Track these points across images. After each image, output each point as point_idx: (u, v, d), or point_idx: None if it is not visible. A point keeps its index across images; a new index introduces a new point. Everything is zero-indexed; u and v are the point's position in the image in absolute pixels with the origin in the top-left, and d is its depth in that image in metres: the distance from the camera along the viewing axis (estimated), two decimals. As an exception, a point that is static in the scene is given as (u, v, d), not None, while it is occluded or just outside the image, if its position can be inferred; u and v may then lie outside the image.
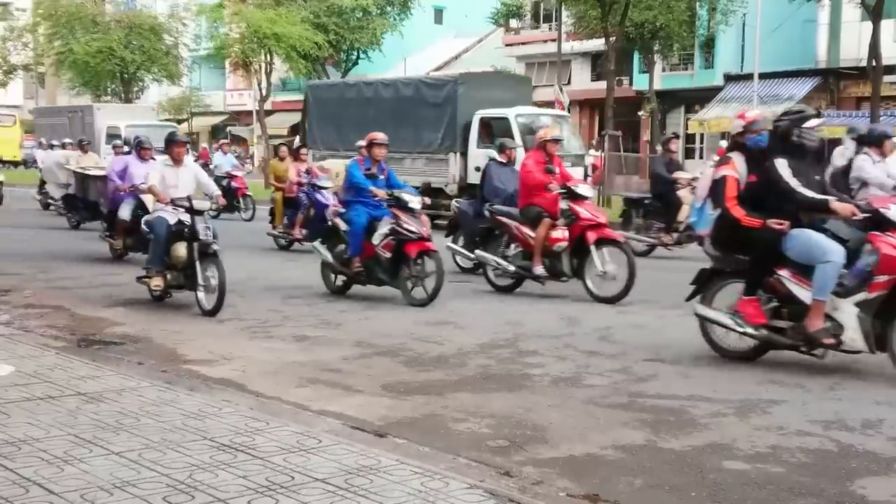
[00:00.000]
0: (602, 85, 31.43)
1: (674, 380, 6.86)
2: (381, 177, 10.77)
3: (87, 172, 15.40)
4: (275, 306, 10.12)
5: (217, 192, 10.36)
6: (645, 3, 31.01)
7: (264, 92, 40.13)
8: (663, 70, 39.29)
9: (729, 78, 36.71)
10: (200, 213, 9.72)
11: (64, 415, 5.38)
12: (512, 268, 11.01)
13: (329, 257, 10.95)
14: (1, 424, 5.17)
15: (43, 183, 22.44)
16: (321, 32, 38.00)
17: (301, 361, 7.46)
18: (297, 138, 28.79)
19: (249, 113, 50.21)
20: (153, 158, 12.98)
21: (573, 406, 6.14)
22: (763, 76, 32.66)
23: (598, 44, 35.21)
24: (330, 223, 11.65)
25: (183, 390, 6.10)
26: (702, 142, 39.14)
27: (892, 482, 4.81)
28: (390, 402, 6.23)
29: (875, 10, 24.80)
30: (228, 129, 55.10)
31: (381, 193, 10.48)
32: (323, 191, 15.11)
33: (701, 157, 39.21)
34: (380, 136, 10.99)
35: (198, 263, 9.53)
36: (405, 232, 10.22)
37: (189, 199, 9.80)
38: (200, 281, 9.52)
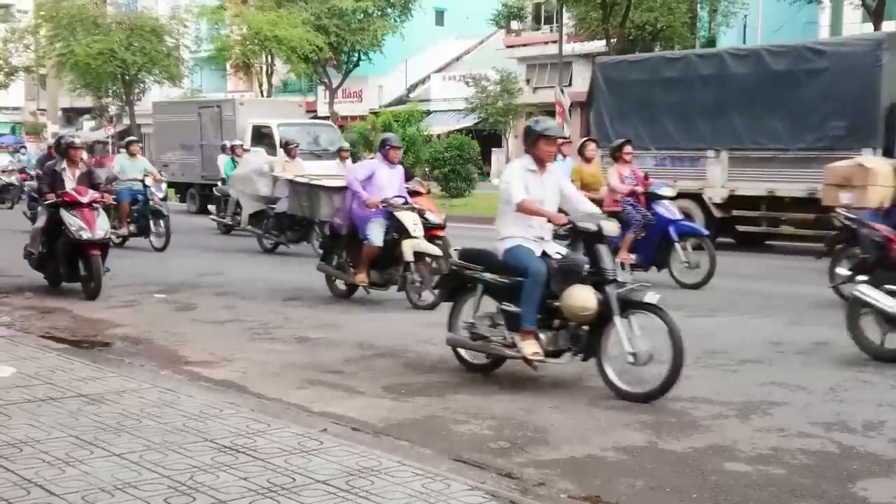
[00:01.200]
0: (603, 86, 31.39)
1: (675, 381, 6.85)
2: None
3: (318, 183, 11.51)
4: (276, 308, 10.11)
5: (595, 209, 7.09)
6: (646, 5, 31.06)
7: (265, 93, 40.20)
8: (664, 71, 39.25)
9: (730, 79, 36.69)
10: (602, 240, 6.53)
11: (65, 416, 5.39)
12: None
13: (891, 304, 7.29)
14: (2, 426, 5.17)
15: (223, 199, 18.49)
16: (322, 34, 38.05)
17: (302, 363, 7.45)
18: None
19: (250, 114, 50.19)
20: (401, 162, 10.63)
21: (574, 407, 6.14)
22: (764, 77, 32.61)
23: (599, 45, 35.20)
24: (866, 252, 7.93)
25: (184, 392, 6.10)
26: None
27: (893, 484, 4.81)
28: (391, 404, 6.23)
29: (876, 12, 24.83)
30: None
31: None
32: (664, 202, 11.54)
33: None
34: None
35: (618, 320, 6.26)
36: None
37: (594, 219, 6.63)
38: (627, 348, 6.21)
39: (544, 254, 6.69)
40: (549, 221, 6.69)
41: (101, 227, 10.59)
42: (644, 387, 6.20)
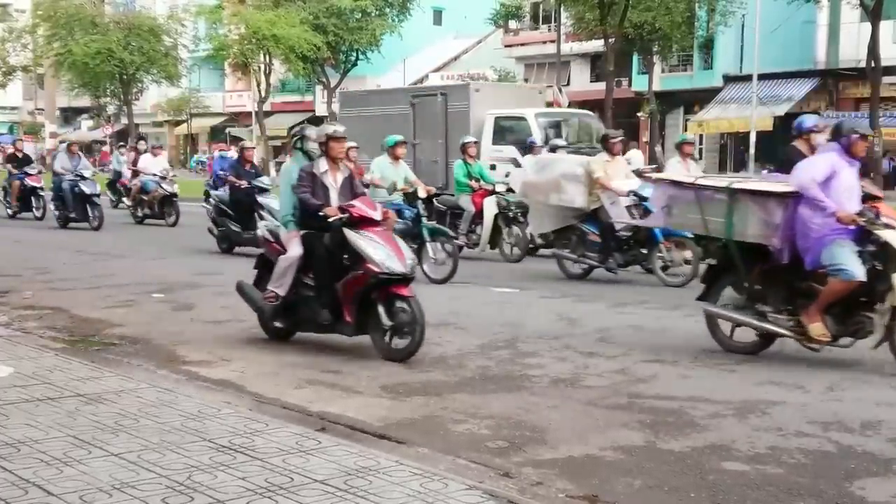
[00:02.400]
0: (601, 86, 31.51)
1: (673, 381, 6.86)
2: None
3: (746, 187, 7.50)
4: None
5: None
6: (644, 4, 31.11)
7: (263, 93, 40.23)
8: (662, 71, 39.38)
9: (728, 79, 36.79)
10: None
11: (63, 416, 5.38)
12: None
13: None
14: (0, 426, 5.17)
15: (448, 212, 14.42)
16: (320, 33, 38.11)
17: (300, 362, 7.45)
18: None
19: (248, 114, 50.36)
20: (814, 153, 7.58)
21: (572, 407, 6.14)
22: (762, 77, 32.70)
23: (597, 45, 35.26)
24: None
25: (182, 391, 6.10)
26: (701, 142, 39.22)
27: (891, 483, 4.81)
28: (390, 404, 6.23)
29: (874, 12, 24.87)
30: (228, 129, 55.23)
31: None
32: None
33: (700, 158, 39.34)
34: None
35: None
36: None
37: None
38: None
39: None
40: None
41: (409, 255, 7.63)
42: None
